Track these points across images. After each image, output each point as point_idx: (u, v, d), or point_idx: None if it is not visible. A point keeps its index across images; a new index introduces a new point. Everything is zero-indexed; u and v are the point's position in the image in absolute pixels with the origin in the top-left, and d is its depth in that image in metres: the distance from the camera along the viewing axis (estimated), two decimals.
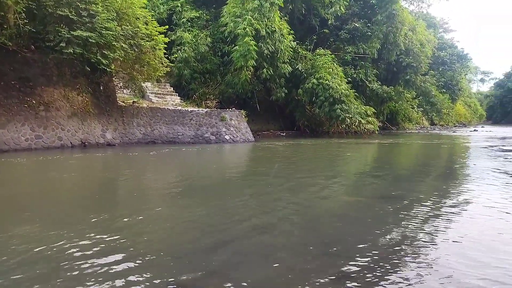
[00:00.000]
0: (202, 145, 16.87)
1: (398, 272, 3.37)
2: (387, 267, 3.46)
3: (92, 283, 3.03)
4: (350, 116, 24.23)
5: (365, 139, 23.57)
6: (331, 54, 27.12)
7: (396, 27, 30.17)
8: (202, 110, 19.40)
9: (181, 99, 22.39)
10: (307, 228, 4.70)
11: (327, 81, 24.45)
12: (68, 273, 3.20)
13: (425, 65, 35.72)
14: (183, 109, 19.10)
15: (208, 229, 4.57)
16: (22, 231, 4.32)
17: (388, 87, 33.42)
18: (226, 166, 11.58)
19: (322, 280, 3.16)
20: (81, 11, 13.22)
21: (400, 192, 7.10)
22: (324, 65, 25.60)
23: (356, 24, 29.79)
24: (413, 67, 33.97)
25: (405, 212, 5.45)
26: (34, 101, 13.32)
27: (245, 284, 3.07)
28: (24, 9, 13.00)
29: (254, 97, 25.92)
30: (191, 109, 19.47)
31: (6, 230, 4.37)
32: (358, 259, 3.62)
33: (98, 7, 13.67)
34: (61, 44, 12.78)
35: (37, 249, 3.72)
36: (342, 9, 27.92)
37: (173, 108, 18.90)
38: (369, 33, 29.72)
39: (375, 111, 27.88)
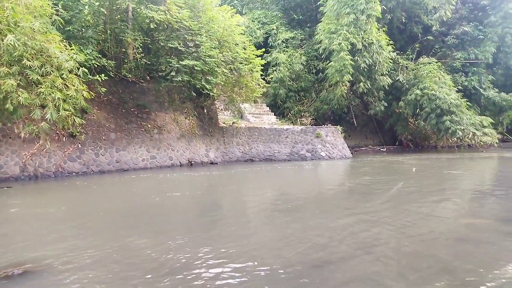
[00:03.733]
0: (299, 162, 16.87)
1: None
2: None
3: None
4: (462, 128, 21.87)
5: (481, 153, 20.97)
6: (436, 62, 25.16)
7: None
8: (297, 127, 19.51)
9: (277, 118, 22.87)
10: (420, 253, 4.27)
11: (433, 91, 22.59)
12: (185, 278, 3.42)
13: None
14: (279, 127, 19.45)
15: (311, 248, 4.47)
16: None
17: (507, 94, 29.42)
18: (326, 183, 11.34)
19: None
20: (188, 42, 14.56)
21: None
22: (429, 74, 23.78)
23: (465, 28, 27.18)
24: None
25: None
26: (149, 125, 14.96)
27: None
28: (141, 44, 14.87)
29: (351, 112, 25.23)
30: (287, 127, 19.72)
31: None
32: None
33: (202, 38, 14.90)
34: (171, 73, 14.19)
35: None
36: (448, 14, 25.79)
37: (269, 127, 19.39)
38: (481, 36, 26.84)
39: (493, 121, 24.69)
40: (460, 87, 25.50)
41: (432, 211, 6.70)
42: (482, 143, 22.44)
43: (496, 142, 24.08)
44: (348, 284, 3.50)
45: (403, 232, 5.20)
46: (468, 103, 24.09)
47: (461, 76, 27.05)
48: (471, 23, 27.70)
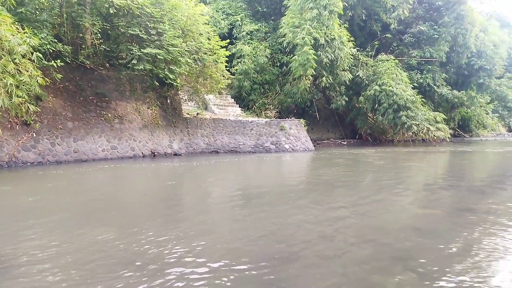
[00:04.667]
0: (263, 154, 17.00)
1: None
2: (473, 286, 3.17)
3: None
4: (417, 123, 23.00)
5: (434, 147, 22.16)
6: (394, 59, 26.19)
7: (465, 28, 28.32)
8: (262, 120, 19.63)
9: (242, 110, 22.87)
10: (376, 242, 4.44)
11: (390, 87, 23.54)
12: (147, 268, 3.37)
13: (500, 67, 32.95)
14: (244, 119, 19.47)
15: (271, 239, 4.55)
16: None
17: (459, 91, 31.36)
18: (288, 175, 11.54)
19: None
20: (150, 30, 14.14)
21: (477, 205, 6.54)
22: (386, 70, 24.74)
23: (421, 27, 28.48)
24: (486, 69, 31.52)
25: (486, 226, 4.98)
26: (109, 115, 14.43)
27: None
28: (99, 30, 14.24)
29: (313, 106, 25.73)
30: (251, 119, 19.79)
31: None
32: (441, 277, 3.35)
33: (165, 26, 14.52)
34: (132, 61, 13.74)
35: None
36: (406, 13, 26.88)
37: (234, 119, 19.36)
38: (436, 35, 28.23)
39: (445, 117, 26.18)
40: (415, 84, 26.74)
41: (391, 202, 7.02)
42: (435, 137, 23.71)
43: (448, 137, 25.57)
44: (307, 271, 3.61)
45: (363, 222, 5.40)
46: (423, 99, 25.35)
47: (416, 73, 28.36)
48: (426, 23, 29.06)
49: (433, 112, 25.24)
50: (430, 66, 28.85)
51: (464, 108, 34.85)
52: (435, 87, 28.86)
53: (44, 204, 6.60)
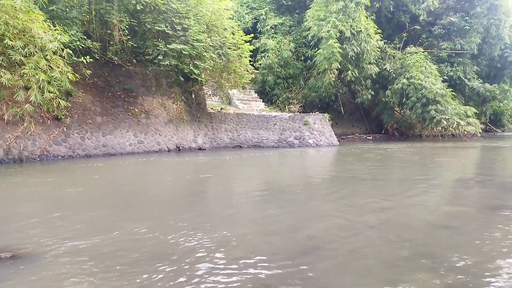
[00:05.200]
0: (287, 149, 16.90)
1: None
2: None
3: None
4: (447, 117, 22.22)
5: (465, 143, 21.40)
6: (423, 52, 25.38)
7: (499, 19, 27.08)
8: (285, 114, 19.50)
9: (265, 105, 22.80)
10: (403, 239, 4.30)
11: (419, 81, 22.85)
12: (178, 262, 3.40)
13: None
14: (267, 114, 19.40)
15: (306, 234, 4.50)
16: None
17: (491, 85, 30.06)
18: (313, 170, 11.42)
19: None
20: (175, 26, 14.25)
21: (509, 202, 6.25)
22: (415, 63, 24.00)
23: (451, 18, 27.40)
24: None
25: None
26: (136, 110, 14.70)
27: None
28: (127, 26, 14.49)
29: (338, 100, 25.33)
30: (275, 114, 19.69)
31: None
32: (467, 277, 3.21)
33: (190, 21, 14.61)
34: (158, 57, 13.91)
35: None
36: (436, 3, 25.95)
37: (257, 113, 19.32)
38: (467, 27, 27.13)
39: (476, 111, 25.18)
40: (445, 77, 25.85)
41: (427, 198, 6.82)
42: (465, 132, 22.88)
43: (479, 132, 24.63)
44: (344, 268, 3.55)
45: (400, 220, 5.26)
46: (453, 93, 24.48)
47: (446, 66, 27.40)
48: (457, 14, 27.97)
49: (464, 106, 24.31)
50: (460, 59, 27.80)
51: (496, 102, 33.46)
52: (466, 80, 27.80)
53: (82, 195, 6.79)
